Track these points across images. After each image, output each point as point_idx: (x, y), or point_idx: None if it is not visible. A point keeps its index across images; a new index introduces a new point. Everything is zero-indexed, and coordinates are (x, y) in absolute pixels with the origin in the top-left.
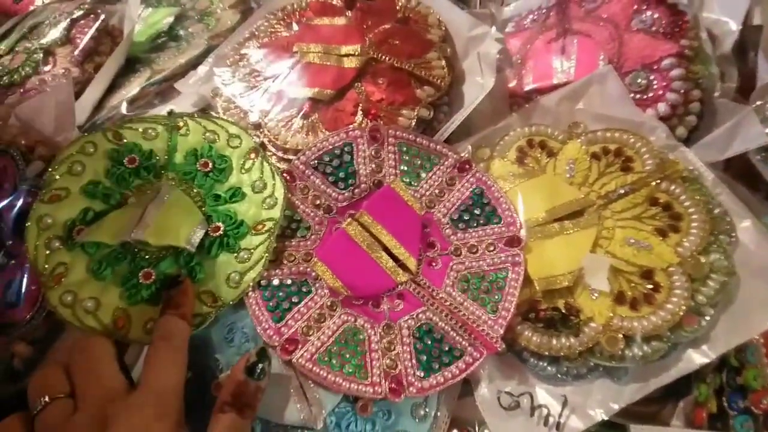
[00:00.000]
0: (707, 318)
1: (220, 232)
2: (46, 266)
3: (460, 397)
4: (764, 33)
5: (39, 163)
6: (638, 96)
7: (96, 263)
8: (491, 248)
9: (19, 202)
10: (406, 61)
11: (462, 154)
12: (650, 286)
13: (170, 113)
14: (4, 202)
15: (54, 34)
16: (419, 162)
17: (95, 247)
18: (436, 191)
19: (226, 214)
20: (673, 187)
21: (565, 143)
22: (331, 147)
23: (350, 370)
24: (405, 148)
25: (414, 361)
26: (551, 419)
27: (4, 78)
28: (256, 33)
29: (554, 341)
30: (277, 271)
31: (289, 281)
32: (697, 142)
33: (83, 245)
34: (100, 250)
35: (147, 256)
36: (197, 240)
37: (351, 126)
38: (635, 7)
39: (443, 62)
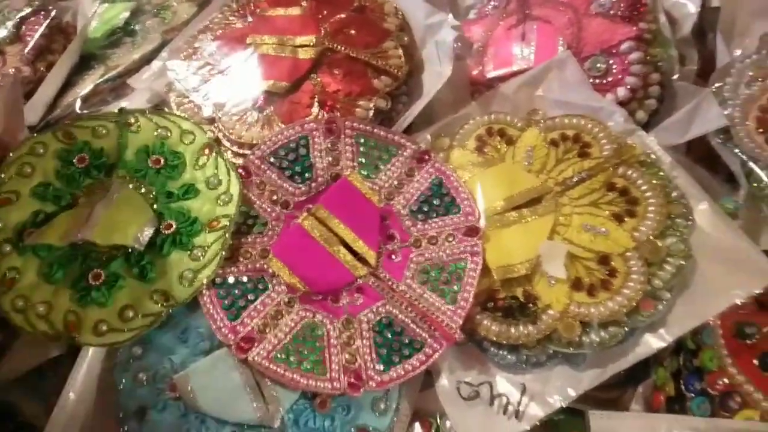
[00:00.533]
0: (664, 302)
1: (173, 229)
2: None
3: (422, 388)
4: (722, 15)
5: None
6: (598, 81)
7: (47, 266)
8: (450, 239)
9: None
10: (363, 51)
11: (421, 145)
12: (607, 272)
13: (121, 110)
14: None
15: (2, 32)
16: (377, 153)
17: (46, 249)
18: (395, 183)
19: (179, 212)
20: (630, 172)
21: (524, 130)
22: (286, 141)
23: (308, 367)
24: (362, 140)
25: (374, 354)
26: (510, 407)
27: None
28: (210, 26)
29: (513, 330)
30: (232, 268)
31: (245, 278)
32: (657, 126)
33: (34, 249)
34: (51, 252)
35: (98, 257)
36: (146, 238)
37: (307, 119)
38: None
39: (400, 51)
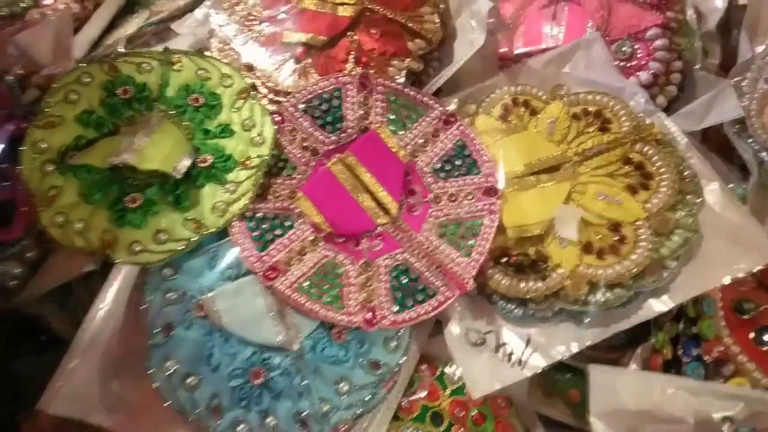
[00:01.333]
0: (669, 270)
1: (208, 163)
2: (40, 188)
3: (430, 336)
4: (747, 12)
5: (34, 91)
6: (622, 64)
7: (86, 187)
8: (470, 197)
9: (13, 128)
10: (400, 13)
11: (448, 108)
12: (617, 238)
13: (165, 50)
14: (0, 127)
15: None
16: (406, 112)
17: (87, 172)
18: (421, 141)
19: (215, 148)
20: (646, 149)
21: (548, 103)
22: (320, 91)
23: (328, 300)
24: (393, 98)
25: (389, 296)
26: (514, 356)
27: (4, 9)
28: None
29: (522, 284)
30: (262, 204)
31: (273, 215)
32: (676, 112)
33: (75, 170)
34: (91, 175)
35: (135, 183)
36: (183, 168)
37: (341, 72)
38: None
39: (436, 17)
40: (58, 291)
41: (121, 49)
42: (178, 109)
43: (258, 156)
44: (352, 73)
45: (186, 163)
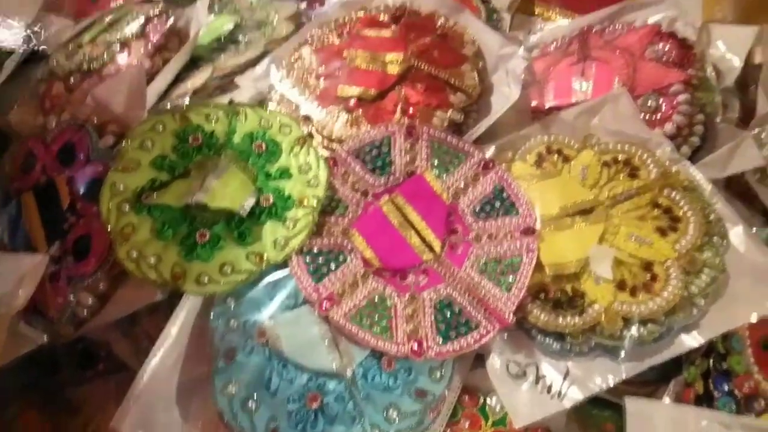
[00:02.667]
0: (698, 307)
1: (270, 202)
2: (117, 226)
3: (471, 368)
4: (764, 70)
5: (110, 138)
6: (648, 116)
7: (159, 225)
8: (508, 237)
9: (91, 170)
10: (443, 70)
11: (487, 155)
12: (649, 277)
13: (230, 102)
14: (79, 170)
15: (131, 29)
16: (449, 158)
17: (159, 210)
18: (462, 184)
19: (276, 188)
20: (674, 194)
21: (579, 151)
22: (371, 139)
23: (377, 330)
24: (437, 145)
25: (434, 328)
26: (554, 388)
27: (85, 65)
28: (310, 40)
29: (560, 319)
30: (317, 240)
31: (327, 250)
32: (699, 161)
33: (149, 209)
34: (163, 214)
35: (203, 220)
36: (249, 206)
37: (390, 122)
38: (649, 39)
39: (475, 74)
40: (124, 319)
41: (187, 101)
42: (243, 154)
43: (314, 196)
44: (400, 122)
45: (251, 202)
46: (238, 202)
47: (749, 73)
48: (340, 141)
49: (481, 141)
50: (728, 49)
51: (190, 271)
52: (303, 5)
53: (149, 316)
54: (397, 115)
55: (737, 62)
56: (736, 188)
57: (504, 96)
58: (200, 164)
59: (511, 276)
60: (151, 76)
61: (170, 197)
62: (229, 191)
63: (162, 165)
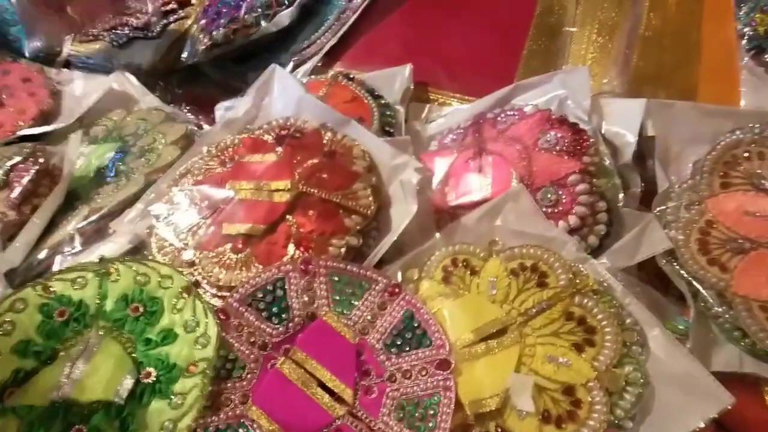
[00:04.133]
0: (626, 430)
1: (152, 378)
2: None
3: None
4: (657, 143)
5: None
6: (549, 210)
7: (27, 426)
8: (423, 372)
9: None
10: (334, 193)
11: (391, 279)
12: (572, 403)
13: (101, 260)
14: None
15: None
16: (350, 290)
17: (27, 409)
18: (369, 317)
19: (158, 359)
20: (585, 301)
21: (486, 260)
22: (264, 283)
23: None
24: (336, 277)
25: None
26: None
27: None
28: (192, 170)
29: None
30: (213, 417)
31: (225, 426)
32: (608, 249)
33: (14, 409)
34: (31, 411)
35: (79, 412)
36: (126, 391)
37: (283, 260)
38: (540, 128)
39: (369, 191)
40: None
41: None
42: (118, 322)
43: (203, 359)
44: (294, 258)
45: (128, 384)
46: (112, 388)
47: (645, 144)
48: (230, 288)
49: (387, 257)
50: (621, 125)
51: None
52: (192, 126)
53: None
54: (290, 249)
55: (631, 138)
56: (649, 270)
57: (402, 210)
58: (69, 343)
59: (431, 420)
60: (18, 228)
61: (33, 396)
62: (100, 377)
63: (26, 351)
